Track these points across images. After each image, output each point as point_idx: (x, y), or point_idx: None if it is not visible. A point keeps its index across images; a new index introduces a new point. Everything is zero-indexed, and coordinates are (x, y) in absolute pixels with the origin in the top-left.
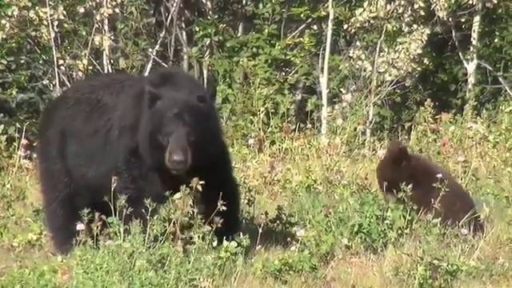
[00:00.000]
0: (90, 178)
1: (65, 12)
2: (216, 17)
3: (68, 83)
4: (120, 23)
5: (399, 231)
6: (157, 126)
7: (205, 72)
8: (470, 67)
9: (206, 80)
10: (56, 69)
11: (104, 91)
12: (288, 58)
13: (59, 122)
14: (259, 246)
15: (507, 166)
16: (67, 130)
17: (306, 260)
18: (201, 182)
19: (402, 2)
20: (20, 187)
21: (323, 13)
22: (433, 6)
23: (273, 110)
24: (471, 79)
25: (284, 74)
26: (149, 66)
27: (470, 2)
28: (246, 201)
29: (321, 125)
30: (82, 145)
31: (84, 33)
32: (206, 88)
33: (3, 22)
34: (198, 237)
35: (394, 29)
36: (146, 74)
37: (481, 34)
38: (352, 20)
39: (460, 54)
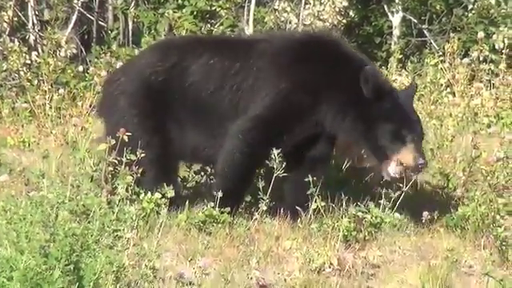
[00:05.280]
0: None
1: None
2: None
3: None
4: None
5: None
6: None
7: (130, 23)
8: (395, 20)
9: (130, 32)
10: None
11: (197, 57)
12: (213, 9)
13: (154, 98)
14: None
15: (432, 118)
16: (166, 103)
17: (228, 212)
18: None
19: None
20: None
21: None
22: None
23: None
24: (396, 32)
25: (209, 25)
26: (74, 18)
27: None
28: None
29: None
30: (191, 114)
31: None
32: None
33: None
34: (122, 187)
35: None
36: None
37: None
38: None
39: (385, 6)
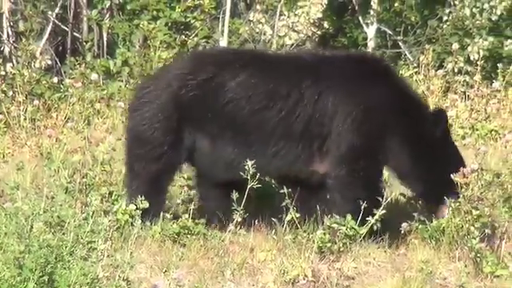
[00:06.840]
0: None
1: None
2: None
3: None
4: None
5: None
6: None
7: (104, 35)
8: (370, 31)
9: (105, 43)
10: None
11: (239, 73)
12: (188, 21)
13: (181, 111)
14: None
15: None
16: (194, 118)
17: (203, 223)
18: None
19: None
20: None
21: None
22: None
23: None
24: (371, 43)
25: (184, 37)
26: (48, 29)
27: None
28: None
29: None
30: (227, 130)
31: None
32: None
33: None
34: (96, 199)
35: None
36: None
37: None
38: None
39: (360, 17)
